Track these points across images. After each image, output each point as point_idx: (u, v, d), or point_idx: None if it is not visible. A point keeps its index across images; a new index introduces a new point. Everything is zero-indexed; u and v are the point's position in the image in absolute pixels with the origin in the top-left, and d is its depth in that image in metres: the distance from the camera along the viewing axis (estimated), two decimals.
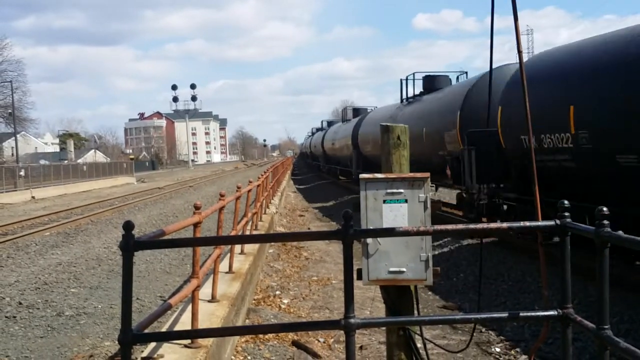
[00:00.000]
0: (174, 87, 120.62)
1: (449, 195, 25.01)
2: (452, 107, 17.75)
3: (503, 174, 14.48)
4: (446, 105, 18.72)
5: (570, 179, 11.61)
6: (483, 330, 8.92)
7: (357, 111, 45.90)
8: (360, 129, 34.81)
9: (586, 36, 10.56)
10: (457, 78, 22.68)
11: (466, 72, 22.36)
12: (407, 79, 24.80)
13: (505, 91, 14.03)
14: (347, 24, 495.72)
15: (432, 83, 22.85)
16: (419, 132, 19.06)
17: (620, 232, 3.23)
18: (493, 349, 8.27)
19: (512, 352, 8.14)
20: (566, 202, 3.75)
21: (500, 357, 8.05)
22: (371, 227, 4.82)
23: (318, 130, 72.97)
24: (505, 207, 14.96)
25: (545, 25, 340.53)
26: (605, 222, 3.27)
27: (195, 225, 5.76)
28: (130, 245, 3.51)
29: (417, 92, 24.31)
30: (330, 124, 62.51)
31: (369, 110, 41.38)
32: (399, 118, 23.37)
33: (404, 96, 25.07)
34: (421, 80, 23.73)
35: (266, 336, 7.93)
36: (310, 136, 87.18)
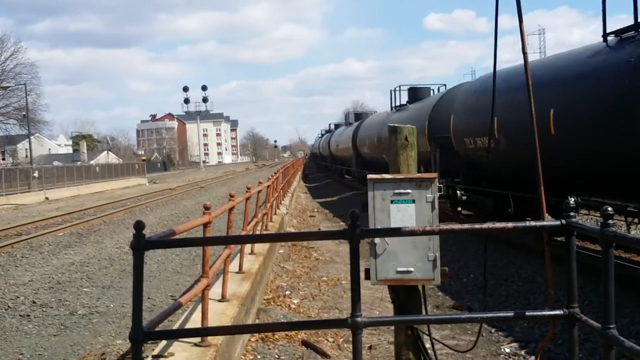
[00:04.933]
0: (186, 89, 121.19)
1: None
2: (423, 116, 21.40)
3: (456, 169, 17.98)
4: (420, 114, 22.37)
5: (492, 169, 15.28)
6: (492, 330, 8.93)
7: (358, 115, 51.41)
8: (358, 132, 38.83)
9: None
10: (438, 89, 26.03)
11: (445, 85, 25.31)
12: (394, 90, 29.05)
13: (457, 103, 17.83)
14: (359, 25, 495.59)
15: (415, 94, 27.02)
16: None
17: (626, 233, 3.25)
18: (502, 350, 8.27)
19: (522, 352, 8.14)
20: (572, 201, 3.77)
21: (510, 357, 8.06)
22: (379, 227, 4.86)
23: (326, 132, 77.81)
24: (464, 197, 18.02)
25: (558, 25, 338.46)
26: (610, 221, 3.29)
27: (205, 225, 5.81)
28: (141, 244, 3.56)
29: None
30: (337, 126, 66.11)
31: (370, 115, 45.55)
32: (390, 123, 25.68)
33: (394, 105, 29.09)
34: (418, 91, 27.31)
35: (276, 336, 7.97)
36: (319, 138, 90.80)
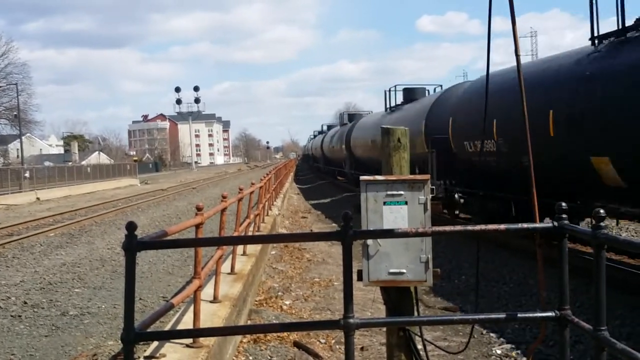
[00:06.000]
0: (178, 90, 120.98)
1: None
2: (420, 117, 21.09)
3: (454, 172, 17.92)
4: (416, 114, 22.05)
5: (492, 173, 15.07)
6: (484, 332, 8.95)
7: (352, 116, 49.52)
8: (352, 133, 38.32)
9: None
10: (434, 89, 25.70)
11: (441, 85, 25.00)
12: (389, 91, 28.52)
13: (454, 105, 17.71)
14: (352, 26, 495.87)
15: (410, 94, 26.74)
16: None
17: (617, 235, 3.27)
18: (494, 351, 8.29)
19: (513, 354, 8.16)
20: (564, 204, 3.79)
21: (501, 359, 8.07)
22: (371, 229, 4.86)
23: (319, 133, 76.31)
24: (462, 200, 17.69)
25: (550, 28, 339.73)
26: (602, 224, 3.31)
27: (197, 226, 5.81)
28: (132, 245, 3.55)
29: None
30: (330, 127, 65.39)
31: (363, 115, 44.60)
32: (384, 124, 25.32)
33: (388, 105, 28.71)
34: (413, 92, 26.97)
35: (267, 337, 7.97)
36: (312, 139, 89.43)
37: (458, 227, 3.81)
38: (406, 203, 4.88)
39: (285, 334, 8.04)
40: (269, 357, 7.53)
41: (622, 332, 8.39)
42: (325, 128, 70.36)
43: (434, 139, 18.27)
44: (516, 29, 4.18)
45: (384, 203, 4.89)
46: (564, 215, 3.76)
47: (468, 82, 19.87)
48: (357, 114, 49.85)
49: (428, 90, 26.55)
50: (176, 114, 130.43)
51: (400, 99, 27.85)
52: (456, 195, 17.62)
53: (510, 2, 4.18)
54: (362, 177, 4.99)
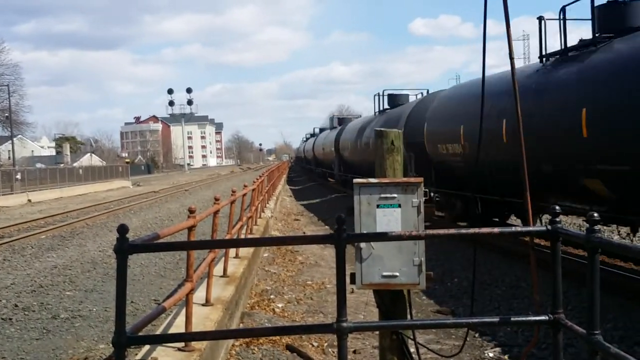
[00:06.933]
0: (170, 91, 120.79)
1: None
2: (400, 122, 22.54)
3: (429, 173, 18.78)
4: (397, 119, 23.53)
5: (461, 174, 16.76)
6: (476, 335, 8.94)
7: (341, 120, 51.90)
8: (341, 136, 40.20)
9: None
10: (422, 94, 26.25)
11: (427, 90, 26.13)
12: (378, 95, 30.07)
13: (430, 111, 19.30)
14: (345, 29, 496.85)
15: (394, 100, 28.64)
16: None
17: (610, 239, 3.27)
18: (486, 354, 8.29)
19: (505, 357, 8.16)
20: (557, 207, 3.79)
21: None
22: (365, 232, 4.84)
23: (311, 136, 77.49)
24: (437, 199, 19.74)
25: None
26: (596, 227, 3.30)
27: (190, 228, 5.78)
28: (124, 248, 3.53)
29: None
30: (321, 130, 66.30)
31: (352, 119, 46.19)
32: (369, 128, 29.27)
33: (376, 110, 30.35)
34: (404, 96, 28.65)
35: (260, 340, 7.93)
36: (304, 141, 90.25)
37: (452, 231, 3.80)
38: (399, 206, 4.87)
39: (278, 337, 8.01)
40: None
41: (615, 335, 8.40)
42: (317, 131, 71.46)
43: (412, 143, 19.49)
44: (510, 33, 4.18)
45: (377, 206, 4.87)
46: (557, 219, 3.75)
47: (444, 91, 21.13)
48: (346, 118, 51.72)
49: (416, 95, 27.29)
50: (168, 115, 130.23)
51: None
52: (432, 194, 19.26)
53: (504, 6, 4.18)
54: (356, 180, 4.97)
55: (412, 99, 27.41)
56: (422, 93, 26.25)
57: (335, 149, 41.40)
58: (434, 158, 18.63)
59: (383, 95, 29.57)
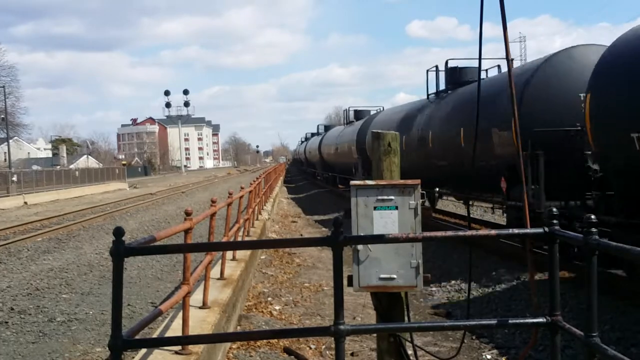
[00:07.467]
0: (167, 93, 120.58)
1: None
2: (355, 132, 32.58)
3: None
4: (353, 131, 33.78)
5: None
6: (474, 337, 8.94)
7: (359, 113, 41.82)
8: (322, 142, 47.28)
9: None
10: (377, 111, 37.07)
11: (383, 107, 36.96)
12: (346, 110, 42.13)
13: (373, 124, 25.57)
14: (342, 31, 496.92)
15: (358, 114, 40.72)
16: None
17: (609, 241, 3.26)
18: (484, 356, 8.29)
19: (503, 359, 8.16)
20: (555, 209, 3.78)
21: None
22: (362, 234, 4.83)
23: (313, 135, 69.34)
24: None
25: (540, 33, 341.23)
26: (594, 229, 3.29)
27: (187, 231, 5.76)
28: (120, 251, 3.51)
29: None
30: (327, 128, 59.88)
31: (372, 113, 37.99)
32: (339, 136, 40.53)
33: (345, 121, 43.13)
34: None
35: (257, 343, 7.92)
36: (304, 141, 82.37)
37: (449, 233, 3.80)
38: (397, 208, 4.86)
39: (275, 339, 7.99)
40: None
41: (612, 337, 8.40)
42: (322, 129, 66.36)
43: (362, 148, 25.80)
44: (507, 35, 4.18)
45: (375, 208, 4.87)
46: (555, 221, 3.75)
47: (387, 109, 29.70)
48: (364, 111, 46.11)
49: (377, 111, 36.58)
50: (165, 117, 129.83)
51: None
52: None
53: (501, 8, 4.18)
54: (352, 182, 4.96)
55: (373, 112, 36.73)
56: (378, 110, 35.68)
57: (358, 148, 39.22)
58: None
59: (349, 111, 41.79)
